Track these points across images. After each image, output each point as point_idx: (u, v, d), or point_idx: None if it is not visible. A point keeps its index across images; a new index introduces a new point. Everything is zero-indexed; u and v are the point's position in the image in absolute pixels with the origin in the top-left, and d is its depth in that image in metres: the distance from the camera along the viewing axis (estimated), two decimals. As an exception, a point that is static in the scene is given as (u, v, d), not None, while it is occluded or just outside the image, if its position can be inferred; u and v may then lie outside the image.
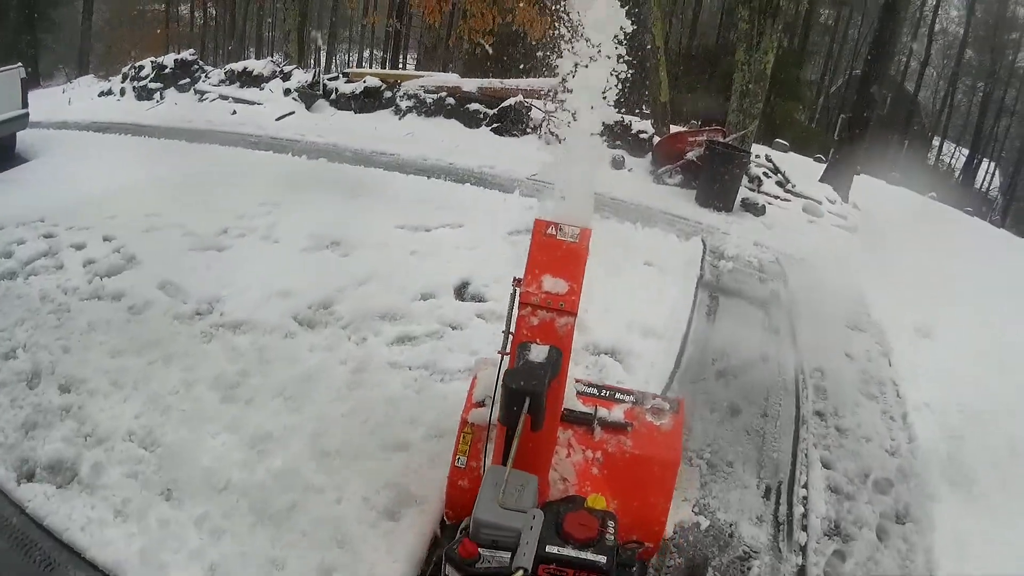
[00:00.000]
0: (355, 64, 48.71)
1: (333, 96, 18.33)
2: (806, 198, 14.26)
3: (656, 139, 15.28)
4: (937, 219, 19.30)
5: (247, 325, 6.51)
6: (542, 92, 15.88)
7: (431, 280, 7.43)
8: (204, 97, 20.21)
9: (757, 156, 15.14)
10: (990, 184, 46.12)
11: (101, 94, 22.97)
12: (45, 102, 20.23)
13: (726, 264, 9.77)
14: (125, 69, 23.63)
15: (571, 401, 4.20)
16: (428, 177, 12.29)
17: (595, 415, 4.18)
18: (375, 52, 48.90)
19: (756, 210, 12.85)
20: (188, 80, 21.48)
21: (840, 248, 11.98)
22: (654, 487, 4.01)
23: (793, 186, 14.72)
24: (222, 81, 20.84)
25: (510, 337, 3.67)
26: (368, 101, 17.84)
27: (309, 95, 18.37)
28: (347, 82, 18.67)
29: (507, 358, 3.61)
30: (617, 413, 4.23)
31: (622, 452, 4.09)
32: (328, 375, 5.80)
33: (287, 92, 18.91)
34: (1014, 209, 41.86)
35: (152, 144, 14.53)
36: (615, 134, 15.17)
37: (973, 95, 48.48)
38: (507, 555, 2.88)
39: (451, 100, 16.88)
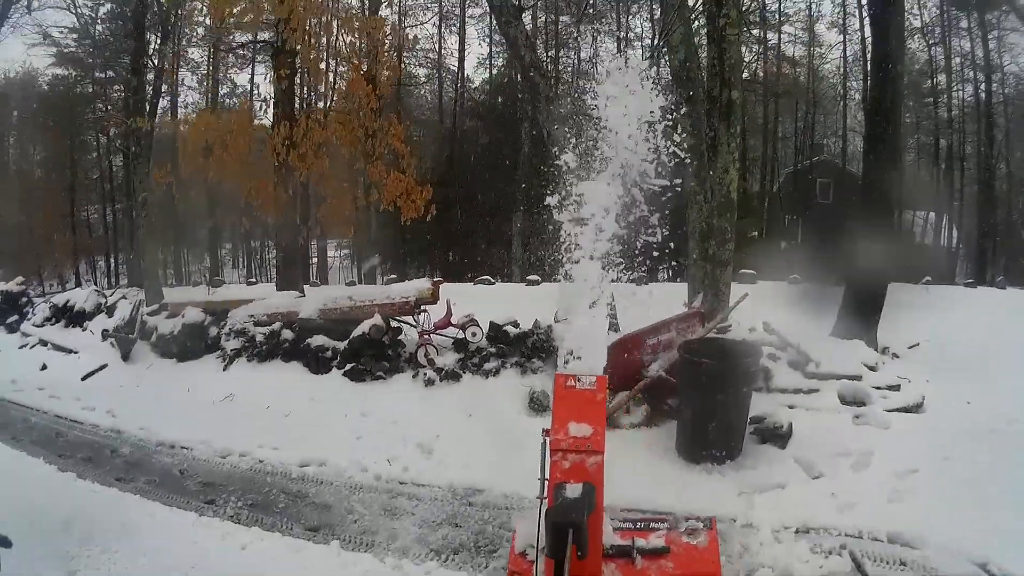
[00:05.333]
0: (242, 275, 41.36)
1: (153, 337, 13.47)
2: (836, 376, 9.03)
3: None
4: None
5: None
6: (410, 302, 11.01)
7: None
8: (25, 342, 16.06)
9: (752, 329, 10.22)
10: (955, 240, 41.45)
11: None
12: None
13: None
14: None
15: (609, 537, 4.23)
16: (198, 513, 7.66)
17: (634, 545, 4.22)
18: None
19: (779, 437, 7.68)
20: (17, 317, 17.68)
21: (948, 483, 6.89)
22: None
23: (817, 365, 9.28)
24: (47, 319, 16.56)
25: (545, 483, 3.87)
26: (190, 344, 12.86)
27: (125, 340, 13.59)
28: (168, 316, 13.71)
29: (545, 502, 3.81)
30: (655, 540, 4.34)
31: (665, 575, 4.09)
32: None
33: (105, 335, 14.19)
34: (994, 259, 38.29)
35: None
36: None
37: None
38: None
39: (287, 333, 11.74)
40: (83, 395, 12.23)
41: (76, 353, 14.48)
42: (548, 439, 3.88)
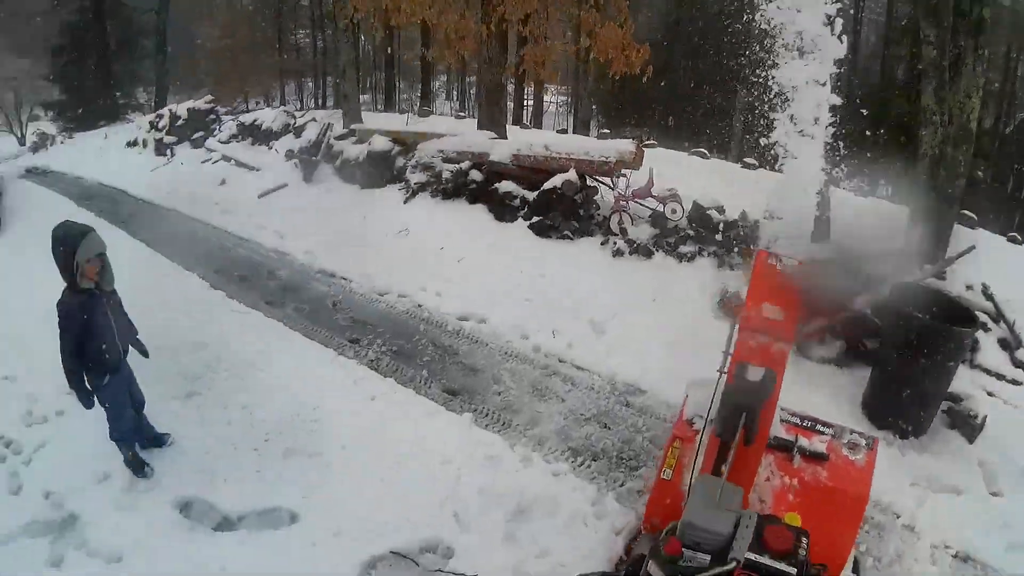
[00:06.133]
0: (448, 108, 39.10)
1: (338, 161, 12.72)
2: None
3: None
4: None
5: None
6: (609, 163, 9.46)
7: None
8: (208, 157, 15.66)
9: (969, 287, 8.08)
10: None
11: (128, 144, 19.21)
12: (74, 151, 20.91)
13: None
14: (151, 118, 19.77)
15: (775, 427, 4.10)
16: (337, 351, 6.93)
17: (796, 443, 4.08)
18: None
19: (970, 427, 5.96)
20: (203, 133, 17.29)
21: None
22: (843, 518, 3.84)
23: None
24: (233, 136, 16.17)
25: (728, 357, 3.70)
26: (373, 171, 11.91)
27: (308, 161, 12.88)
28: (355, 142, 12.87)
29: (724, 377, 3.68)
30: (817, 444, 4.13)
31: (817, 482, 3.96)
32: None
33: (289, 155, 13.62)
34: None
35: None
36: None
37: None
38: (707, 557, 2.93)
39: (476, 175, 10.52)
40: (256, 213, 11.76)
41: (258, 171, 13.95)
42: (738, 313, 3.76)
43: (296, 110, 21.47)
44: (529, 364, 6.76)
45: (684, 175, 10.40)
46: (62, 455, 5.42)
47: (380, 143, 11.94)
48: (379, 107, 30.46)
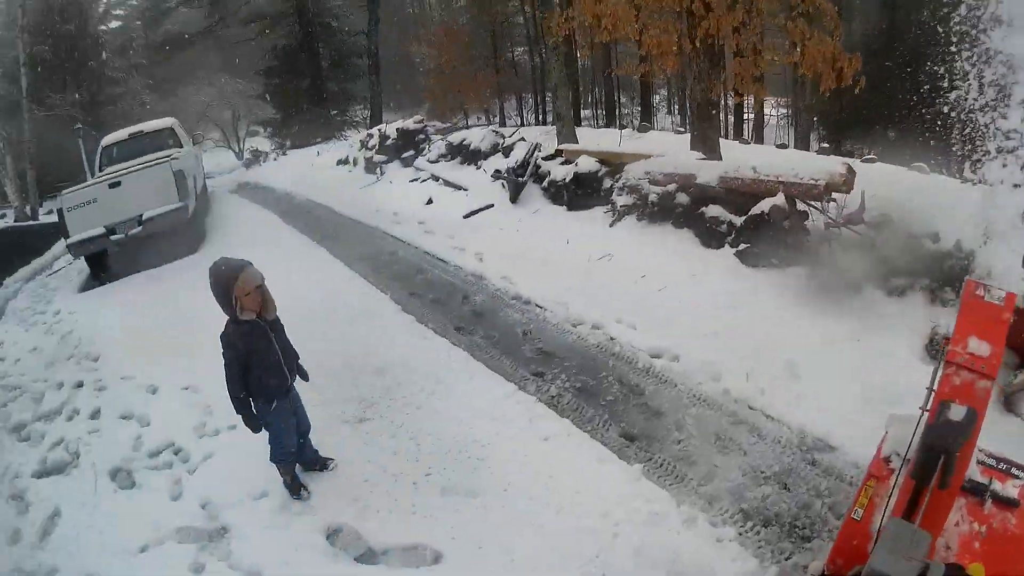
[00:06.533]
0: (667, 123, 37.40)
1: (545, 182, 12.63)
2: None
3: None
4: None
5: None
6: (818, 186, 8.72)
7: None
8: (416, 176, 16.13)
9: None
10: None
11: (339, 162, 20.29)
12: (287, 167, 22.62)
13: None
14: (361, 137, 20.73)
15: (971, 469, 3.78)
16: (518, 386, 6.76)
17: (989, 486, 3.72)
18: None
19: None
20: (412, 152, 17.85)
21: None
22: None
23: None
24: (442, 156, 16.55)
25: (931, 394, 3.54)
26: (580, 193, 11.77)
27: (514, 182, 12.87)
28: (562, 163, 12.69)
29: (926, 414, 3.50)
30: (1010, 488, 3.76)
31: (1006, 530, 3.63)
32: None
33: (496, 175, 13.81)
34: None
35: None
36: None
37: None
38: None
39: (683, 198, 10.10)
40: (458, 234, 11.81)
41: (465, 191, 14.12)
42: (947, 348, 3.48)
43: (516, 127, 21.84)
44: (716, 410, 6.21)
45: (901, 194, 9.68)
46: (226, 468, 5.73)
47: (586, 164, 11.79)
48: (600, 123, 30.52)
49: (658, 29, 11.51)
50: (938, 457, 3.20)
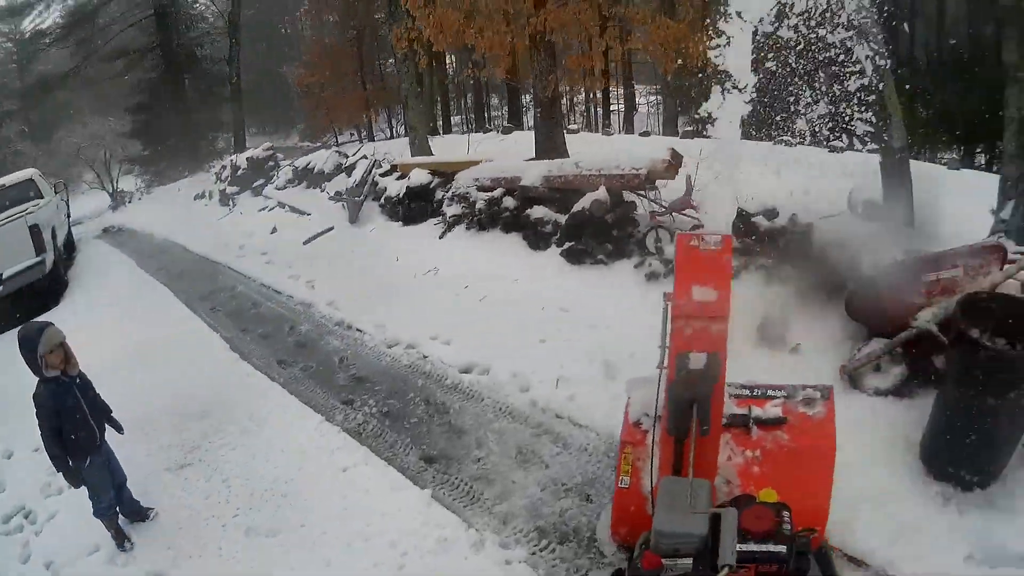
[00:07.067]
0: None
1: (382, 199, 12.42)
2: None
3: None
4: None
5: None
6: (640, 176, 8.63)
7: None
8: (265, 205, 15.77)
9: None
10: None
11: (196, 197, 19.70)
12: (151, 206, 22.48)
13: None
14: (215, 169, 20.16)
15: (727, 406, 3.95)
16: (324, 417, 6.57)
17: (750, 415, 3.99)
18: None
19: None
20: (263, 181, 17.47)
21: None
22: (816, 475, 3.71)
23: None
24: (289, 181, 16.36)
25: (666, 351, 3.67)
26: (414, 207, 11.62)
27: (351, 202, 12.62)
28: (398, 178, 12.51)
29: (665, 372, 3.63)
30: (771, 410, 4.03)
31: (780, 447, 3.89)
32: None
33: (336, 197, 13.48)
34: None
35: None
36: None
37: None
38: (689, 561, 2.85)
39: (509, 202, 10.02)
40: (295, 262, 11.56)
41: (308, 215, 13.88)
42: (670, 304, 3.64)
43: (360, 145, 21.47)
44: (520, 422, 6.00)
45: (757, 173, 9.32)
46: (68, 525, 5.65)
47: (418, 177, 11.65)
48: (467, 128, 30.19)
49: (491, 31, 11.28)
50: (690, 408, 3.34)
